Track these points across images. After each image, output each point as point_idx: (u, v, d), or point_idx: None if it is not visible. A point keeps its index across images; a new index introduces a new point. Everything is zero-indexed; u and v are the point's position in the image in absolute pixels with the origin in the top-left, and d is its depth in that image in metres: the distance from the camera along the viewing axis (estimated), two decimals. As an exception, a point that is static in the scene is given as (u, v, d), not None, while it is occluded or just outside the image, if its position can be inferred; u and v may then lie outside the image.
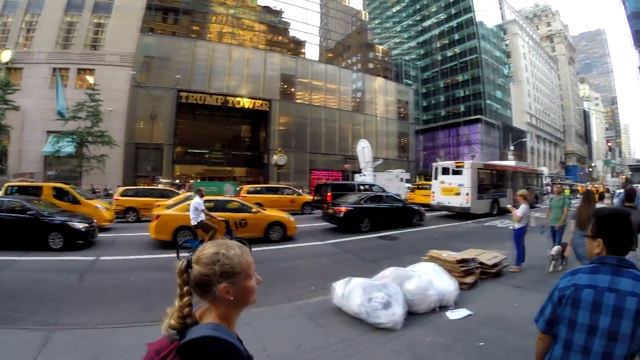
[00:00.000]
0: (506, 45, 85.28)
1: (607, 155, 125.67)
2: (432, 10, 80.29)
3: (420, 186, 28.49)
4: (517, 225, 8.65)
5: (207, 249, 1.31)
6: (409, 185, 31.34)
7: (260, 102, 43.34)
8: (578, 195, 39.75)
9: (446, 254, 7.51)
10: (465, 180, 20.20)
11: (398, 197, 18.41)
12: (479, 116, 67.02)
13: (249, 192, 22.35)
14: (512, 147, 60.16)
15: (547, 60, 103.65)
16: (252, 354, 1.33)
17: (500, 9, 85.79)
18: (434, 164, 23.37)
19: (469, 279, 7.06)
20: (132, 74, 31.30)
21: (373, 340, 4.84)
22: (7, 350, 4.55)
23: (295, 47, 53.76)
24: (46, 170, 32.99)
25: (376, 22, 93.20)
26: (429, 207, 21.96)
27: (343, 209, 15.03)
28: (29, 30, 36.10)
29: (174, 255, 9.78)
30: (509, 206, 9.89)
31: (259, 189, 23.88)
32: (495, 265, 7.87)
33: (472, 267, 7.32)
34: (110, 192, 26.56)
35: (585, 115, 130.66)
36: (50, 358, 4.35)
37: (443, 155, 63.67)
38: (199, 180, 38.11)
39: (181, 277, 1.29)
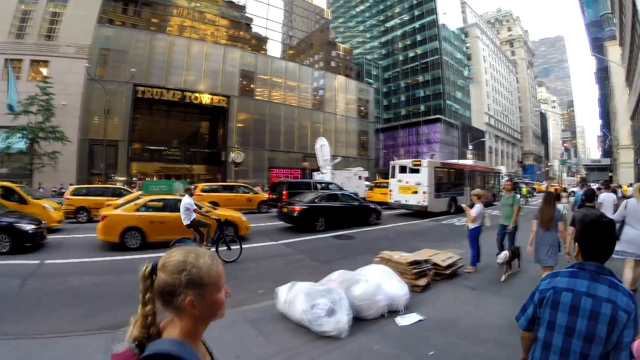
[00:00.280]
0: (467, 48, 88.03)
1: (563, 155, 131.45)
2: (396, 11, 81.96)
3: (379, 184, 28.60)
4: (471, 225, 8.54)
5: (175, 256, 1.22)
6: (368, 183, 31.41)
7: (218, 98, 42.72)
8: (536, 194, 41.68)
9: (398, 256, 7.34)
10: (422, 179, 20.30)
11: (355, 196, 18.33)
12: (438, 116, 68.95)
13: (204, 191, 21.78)
14: (470, 147, 62.14)
15: (507, 64, 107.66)
16: None
17: (463, 12, 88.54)
18: (391, 162, 23.50)
19: (422, 282, 6.93)
20: (86, 66, 29.97)
21: (317, 350, 4.65)
22: None
23: (257, 43, 53.21)
24: None
25: (340, 21, 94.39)
26: (387, 206, 22.26)
27: (298, 207, 14.84)
28: None
29: (121, 257, 9.80)
30: (463, 205, 9.85)
31: (214, 187, 23.22)
32: (449, 266, 7.77)
33: (424, 268, 7.16)
34: (64, 190, 25.15)
35: (543, 117, 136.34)
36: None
37: (403, 153, 65.30)
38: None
39: (144, 282, 1.22)
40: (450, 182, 23.00)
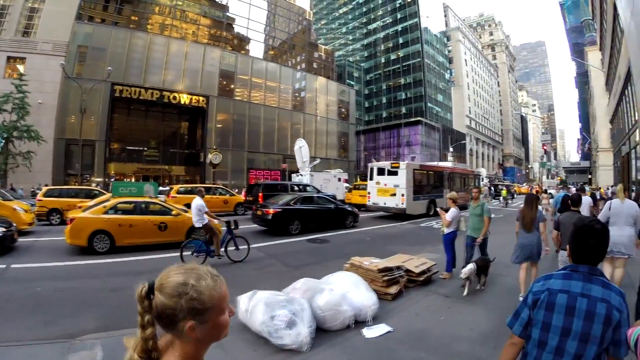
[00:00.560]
0: (449, 51, 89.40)
1: (543, 158, 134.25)
2: (379, 13, 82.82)
3: (357, 187, 28.36)
4: (446, 230, 8.26)
5: (173, 276, 1.12)
6: (347, 185, 31.32)
7: (197, 98, 42.37)
8: (516, 196, 42.39)
9: (368, 262, 7.04)
10: (401, 181, 20.17)
11: (331, 198, 18.07)
12: (419, 118, 69.48)
13: (179, 192, 21.45)
14: (451, 149, 62.99)
15: (488, 68, 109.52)
16: None
17: (445, 16, 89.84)
18: (369, 164, 23.40)
19: (393, 289, 6.66)
20: (62, 64, 28.75)
21: (275, 365, 4.42)
22: None
23: (239, 43, 53.11)
24: None
25: (322, 23, 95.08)
26: (366, 208, 22.27)
27: (271, 210, 14.51)
28: None
29: (88, 262, 9.56)
30: (438, 209, 9.46)
31: (189, 189, 22.49)
32: (423, 272, 7.54)
33: (396, 275, 6.89)
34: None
35: (523, 120, 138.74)
36: None
37: (384, 155, 65.78)
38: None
39: (142, 304, 1.11)
40: (429, 185, 22.94)
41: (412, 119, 70.39)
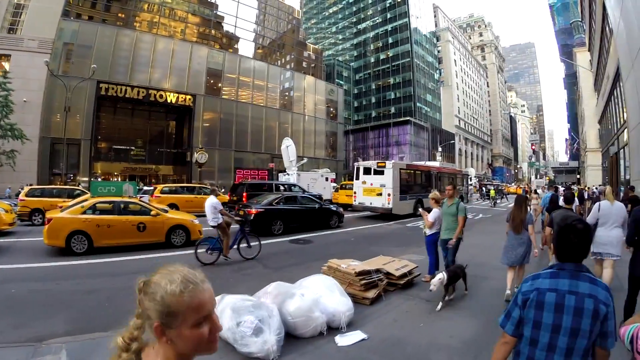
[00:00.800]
0: (438, 52, 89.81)
1: (532, 158, 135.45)
2: (369, 13, 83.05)
3: (344, 186, 28.22)
4: (429, 232, 7.90)
5: (156, 275, 1.14)
6: (335, 184, 31.09)
7: (184, 96, 42.26)
8: (506, 196, 42.55)
9: (345, 265, 6.81)
10: (387, 181, 19.99)
11: (315, 198, 17.83)
12: (408, 118, 70.05)
13: (162, 192, 21.10)
14: (440, 149, 63.36)
15: (477, 68, 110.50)
16: None
17: (435, 16, 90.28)
18: (355, 163, 23.34)
19: (371, 294, 6.40)
20: (46, 61, 28.23)
21: (239, 374, 4.22)
22: None
23: (227, 42, 52.94)
24: None
25: (312, 22, 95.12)
26: (352, 208, 22.23)
27: (253, 210, 14.24)
28: None
29: (65, 263, 9.44)
30: (420, 210, 9.13)
31: (174, 188, 22.40)
32: (404, 275, 7.26)
33: (374, 279, 6.65)
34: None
35: (512, 121, 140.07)
36: None
37: (373, 155, 66.44)
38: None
39: (138, 296, 1.14)
40: (416, 184, 22.76)
41: (401, 119, 70.87)
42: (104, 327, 5.35)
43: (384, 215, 20.36)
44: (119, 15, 44.09)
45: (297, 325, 4.96)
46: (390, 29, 78.33)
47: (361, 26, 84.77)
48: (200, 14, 50.77)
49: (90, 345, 4.77)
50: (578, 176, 59.49)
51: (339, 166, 58.11)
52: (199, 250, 9.53)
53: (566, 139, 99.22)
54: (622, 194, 17.91)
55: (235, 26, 53.19)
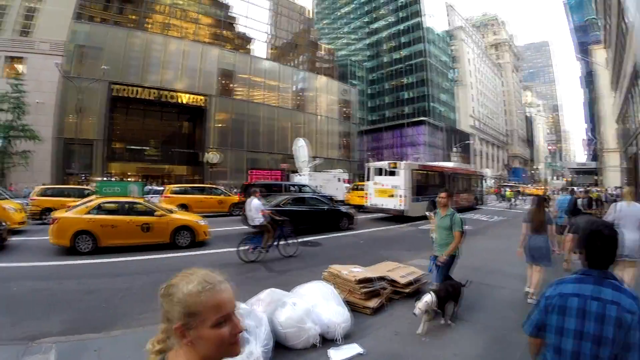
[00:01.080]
0: (452, 51, 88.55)
1: (549, 159, 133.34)
2: (381, 13, 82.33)
3: (357, 187, 27.51)
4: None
5: (175, 278, 1.17)
6: (348, 185, 30.80)
7: (196, 97, 42.31)
8: (521, 197, 41.47)
9: (347, 272, 6.42)
10: (400, 182, 19.41)
11: (325, 199, 17.55)
12: (423, 118, 69.13)
13: (173, 192, 21.04)
14: (455, 149, 62.33)
15: (492, 67, 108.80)
16: None
17: (448, 15, 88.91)
18: (367, 164, 22.86)
19: (372, 303, 6.00)
20: (57, 63, 29.51)
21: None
22: None
23: (239, 42, 52.88)
24: None
25: (325, 22, 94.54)
26: (364, 209, 21.67)
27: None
28: None
29: (69, 262, 9.49)
30: (427, 213, 8.59)
31: (184, 189, 22.35)
32: (409, 283, 6.79)
33: (377, 287, 6.26)
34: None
35: (529, 121, 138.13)
36: None
37: (388, 155, 65.30)
38: (133, 179, 36.80)
39: (161, 300, 1.16)
40: (430, 185, 21.81)
41: (416, 119, 70.01)
42: (98, 328, 5.39)
43: (397, 217, 19.70)
44: (131, 17, 44.34)
45: (288, 336, 4.71)
46: (403, 28, 77.55)
47: (374, 26, 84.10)
48: (212, 15, 50.87)
49: (80, 346, 4.77)
50: (596, 177, 58.17)
51: (354, 167, 57.17)
52: (241, 248, 9.78)
53: (584, 139, 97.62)
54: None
55: (247, 27, 53.23)
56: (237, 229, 15.08)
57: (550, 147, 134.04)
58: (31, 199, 17.85)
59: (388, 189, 19.94)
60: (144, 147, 43.36)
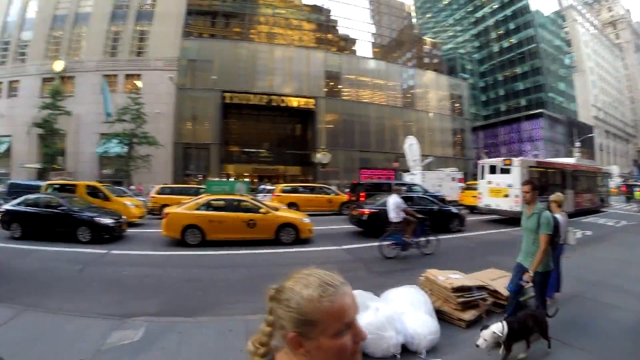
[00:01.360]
0: (565, 33, 78.68)
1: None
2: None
3: (470, 186, 26.06)
4: None
5: (289, 280, 0.99)
6: (462, 185, 29.00)
7: (305, 100, 42.28)
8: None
9: (443, 278, 5.70)
10: (514, 180, 17.49)
11: (435, 199, 16.35)
12: (540, 110, 62.27)
13: (283, 191, 21.79)
14: (578, 144, 54.90)
15: (611, 48, 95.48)
16: None
17: (556, -6, 78.61)
18: (479, 161, 21.10)
19: (468, 315, 5.22)
20: (170, 77, 32.33)
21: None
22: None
23: (344, 44, 51.71)
24: (101, 169, 35.17)
25: (428, 16, 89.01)
26: (478, 210, 20.05)
27: (367, 211, 13.49)
28: (78, 42, 38.52)
29: (176, 253, 10.28)
30: None
31: (294, 188, 23.03)
32: None
33: (475, 297, 5.48)
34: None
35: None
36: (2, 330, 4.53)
37: (504, 152, 60.36)
38: (248, 179, 38.07)
39: (269, 304, 1.00)
40: (548, 185, 19.32)
41: (533, 112, 63.01)
42: (189, 313, 5.70)
43: (513, 219, 16.85)
44: (236, 30, 46.15)
45: (367, 343, 4.18)
46: (510, 13, 70.09)
47: (479, 14, 77.25)
48: (314, 21, 50.45)
49: (167, 327, 5.08)
50: None
51: (469, 165, 52.18)
52: (383, 243, 9.75)
53: None
54: None
55: (349, 28, 51.37)
56: (343, 228, 15.24)
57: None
58: (151, 197, 19.96)
59: (502, 189, 18.22)
60: (258, 150, 44.69)
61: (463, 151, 55.39)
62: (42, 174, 31.41)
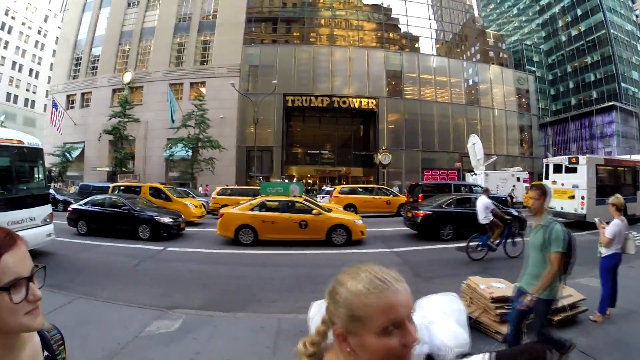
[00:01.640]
0: (636, 17, 70.02)
1: None
2: (547, -15, 69.68)
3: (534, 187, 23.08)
4: (605, 252, 5.50)
5: (341, 274, 0.94)
6: (528, 185, 27.00)
7: (367, 100, 40.67)
8: None
9: (484, 286, 5.31)
10: (580, 180, 16.13)
11: (494, 200, 14.63)
12: (613, 103, 56.15)
13: (342, 193, 21.52)
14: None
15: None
16: None
17: (623, -28, 71.08)
18: (544, 160, 19.92)
19: (506, 328, 4.50)
20: (232, 83, 32.74)
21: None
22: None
23: (406, 42, 49.19)
24: (167, 172, 36.86)
25: (490, 8, 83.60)
26: None
27: (421, 212, 12.87)
28: (145, 54, 40.61)
29: (228, 251, 10.62)
30: (596, 220, 5.95)
31: (352, 189, 22.64)
32: (562, 310, 5.10)
33: None
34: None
35: None
36: (49, 316, 3.51)
37: (575, 150, 55.88)
38: (311, 180, 39.89)
39: (327, 301, 0.96)
40: (619, 185, 17.51)
41: (604, 105, 57.07)
42: (229, 308, 5.86)
43: (579, 222, 15.45)
44: (296, 34, 45.84)
45: None
46: (575, -1, 64.17)
47: (543, 2, 70.78)
48: (374, 20, 48.44)
49: (205, 321, 5.23)
50: None
51: (536, 164, 47.39)
52: (471, 243, 9.56)
53: None
54: None
55: (410, 25, 48.56)
56: (398, 230, 14.73)
57: None
58: (212, 197, 20.37)
59: (567, 189, 16.71)
60: (321, 151, 45.04)
61: (530, 149, 51.04)
62: (112, 177, 33.88)
